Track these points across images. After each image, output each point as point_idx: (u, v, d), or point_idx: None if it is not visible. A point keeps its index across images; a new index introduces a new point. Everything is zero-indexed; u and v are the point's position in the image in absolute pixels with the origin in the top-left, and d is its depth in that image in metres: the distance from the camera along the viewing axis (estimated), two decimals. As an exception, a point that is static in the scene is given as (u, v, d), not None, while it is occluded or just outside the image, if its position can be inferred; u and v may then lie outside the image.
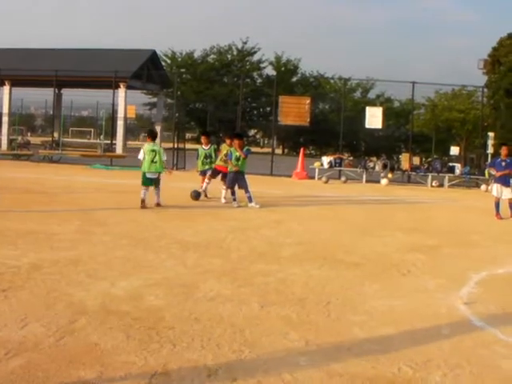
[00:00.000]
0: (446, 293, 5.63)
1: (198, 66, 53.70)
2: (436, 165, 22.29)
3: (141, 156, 11.17)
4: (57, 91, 34.50)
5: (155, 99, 44.29)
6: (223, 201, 12.26)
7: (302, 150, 23.99)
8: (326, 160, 22.60)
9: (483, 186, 20.26)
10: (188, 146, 27.38)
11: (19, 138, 33.01)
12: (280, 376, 3.49)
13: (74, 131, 55.47)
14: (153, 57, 37.13)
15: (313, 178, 21.83)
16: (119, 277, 5.60)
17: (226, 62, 55.42)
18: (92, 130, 54.01)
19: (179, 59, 54.67)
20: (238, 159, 12.01)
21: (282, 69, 55.19)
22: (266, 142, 66.08)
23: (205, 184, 12.91)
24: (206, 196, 12.87)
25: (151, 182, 11.04)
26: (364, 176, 21.79)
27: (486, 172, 19.73)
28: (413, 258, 7.33)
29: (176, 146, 24.40)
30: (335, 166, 22.26)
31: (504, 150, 12.37)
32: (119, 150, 32.21)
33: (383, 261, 7.08)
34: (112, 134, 31.04)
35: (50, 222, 8.57)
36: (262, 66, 56.32)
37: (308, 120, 23.79)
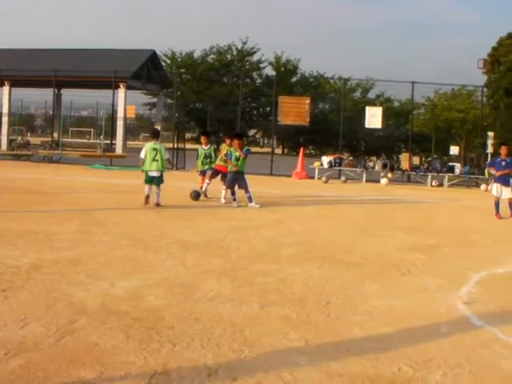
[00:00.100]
0: (445, 292, 5.63)
1: (198, 66, 53.70)
2: (436, 164, 22.29)
3: (142, 154, 11.28)
4: (56, 91, 34.53)
5: (155, 99, 44.29)
6: (223, 201, 12.25)
7: (301, 149, 24.00)
8: (325, 160, 22.60)
9: (483, 186, 20.26)
10: (188, 145, 27.39)
11: (19, 138, 33.00)
12: (280, 375, 3.49)
13: (74, 131, 55.54)
14: (153, 57, 37.13)
15: (313, 177, 21.83)
16: (119, 277, 5.60)
17: (226, 62, 55.41)
18: (92, 130, 54.08)
19: (179, 59, 54.68)
20: (237, 159, 12.02)
21: (282, 69, 55.19)
22: (265, 141, 66.12)
23: (205, 185, 12.90)
24: (205, 196, 12.87)
25: (153, 180, 11.12)
26: (364, 176, 21.79)
27: (486, 171, 19.70)
28: (413, 257, 7.33)
29: (176, 145, 24.41)
30: (335, 165, 22.26)
31: (504, 150, 12.37)
32: (119, 150, 32.23)
33: (383, 260, 7.08)
34: (112, 134, 31.04)
35: (49, 222, 8.57)
36: (261, 66, 56.38)
37: (308, 120, 23.79)
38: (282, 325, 4.43)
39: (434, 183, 21.43)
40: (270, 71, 55.98)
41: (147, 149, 11.23)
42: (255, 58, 56.18)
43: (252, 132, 61.80)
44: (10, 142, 32.67)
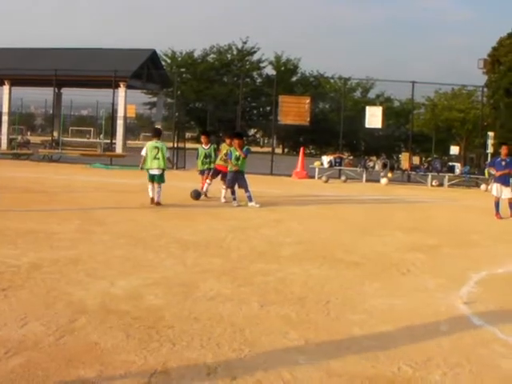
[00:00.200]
0: (445, 292, 5.63)
1: (198, 66, 53.71)
2: (436, 164, 22.29)
3: (143, 153, 11.39)
4: (57, 90, 34.53)
5: (155, 99, 44.32)
6: (223, 200, 12.25)
7: (301, 149, 23.99)
8: (325, 159, 22.61)
9: (483, 186, 20.26)
10: (188, 145, 27.41)
11: (19, 137, 33.05)
12: (279, 375, 3.49)
13: (74, 130, 55.49)
14: (153, 56, 37.16)
15: (313, 177, 21.83)
16: (119, 276, 5.60)
17: (226, 62, 55.43)
18: (92, 129, 54.03)
19: (179, 59, 54.69)
20: (237, 159, 12.01)
21: (282, 68, 55.22)
22: (265, 141, 66.08)
23: (206, 185, 12.90)
24: (205, 196, 12.87)
25: (154, 178, 11.18)
26: (364, 175, 21.79)
27: (486, 171, 19.70)
28: (412, 257, 7.33)
29: (176, 145, 24.42)
30: (335, 165, 22.26)
31: (504, 150, 12.37)
32: (119, 149, 32.25)
33: (383, 260, 7.08)
34: (112, 134, 31.06)
35: (49, 222, 8.58)
36: (261, 65, 56.43)
37: (308, 119, 23.80)
38: (281, 324, 4.43)
39: (434, 183, 21.43)
40: (270, 71, 56.12)
41: (148, 147, 11.33)
42: (255, 57, 56.31)
43: (252, 131, 61.81)
44: (10, 141, 32.69)
